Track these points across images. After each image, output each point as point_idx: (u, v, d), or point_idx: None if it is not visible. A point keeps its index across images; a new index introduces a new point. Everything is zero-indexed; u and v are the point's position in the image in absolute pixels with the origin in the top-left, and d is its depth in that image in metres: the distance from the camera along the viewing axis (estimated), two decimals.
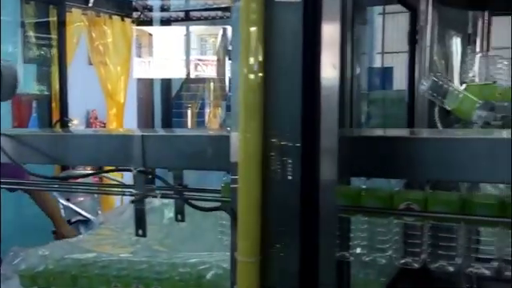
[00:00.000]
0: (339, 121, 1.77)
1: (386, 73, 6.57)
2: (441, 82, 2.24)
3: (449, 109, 2.19)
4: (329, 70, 0.87)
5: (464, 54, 2.50)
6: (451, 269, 1.33)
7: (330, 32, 0.87)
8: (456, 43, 2.37)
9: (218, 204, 1.40)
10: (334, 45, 0.88)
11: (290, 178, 0.96)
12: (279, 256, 1.01)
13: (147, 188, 1.52)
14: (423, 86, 2.26)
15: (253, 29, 0.94)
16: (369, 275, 2.17)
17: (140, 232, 1.56)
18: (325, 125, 0.87)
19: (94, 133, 2.18)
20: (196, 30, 6.41)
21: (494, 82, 2.27)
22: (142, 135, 1.49)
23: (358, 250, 1.50)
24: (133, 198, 1.54)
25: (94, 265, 1.97)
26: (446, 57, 2.35)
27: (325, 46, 0.86)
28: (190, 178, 1.62)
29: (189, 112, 7.61)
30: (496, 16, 2.97)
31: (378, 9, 6.64)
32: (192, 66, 6.35)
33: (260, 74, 0.98)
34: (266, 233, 1.02)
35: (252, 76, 0.98)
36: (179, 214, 1.65)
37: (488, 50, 2.83)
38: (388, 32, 9.65)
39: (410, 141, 1.29)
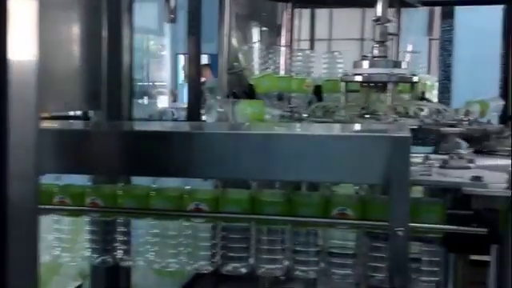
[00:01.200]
0: (120, 113, 1.66)
1: None
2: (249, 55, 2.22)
3: (251, 83, 2.16)
4: (21, 55, 0.71)
5: (268, 46, 2.49)
6: (244, 271, 1.26)
7: (23, 12, 0.71)
8: (256, 34, 2.35)
9: None
10: (29, 25, 0.72)
11: None
12: None
13: None
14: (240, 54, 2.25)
15: None
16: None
17: None
18: (16, 116, 0.70)
19: None
20: None
21: (297, 74, 2.28)
22: None
23: (152, 257, 1.38)
24: None
25: None
26: (248, 47, 2.32)
27: (15, 27, 0.70)
28: None
29: None
30: (298, 8, 3.02)
31: None
32: None
33: None
34: None
35: None
36: None
37: (291, 42, 2.87)
38: None
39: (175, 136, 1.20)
